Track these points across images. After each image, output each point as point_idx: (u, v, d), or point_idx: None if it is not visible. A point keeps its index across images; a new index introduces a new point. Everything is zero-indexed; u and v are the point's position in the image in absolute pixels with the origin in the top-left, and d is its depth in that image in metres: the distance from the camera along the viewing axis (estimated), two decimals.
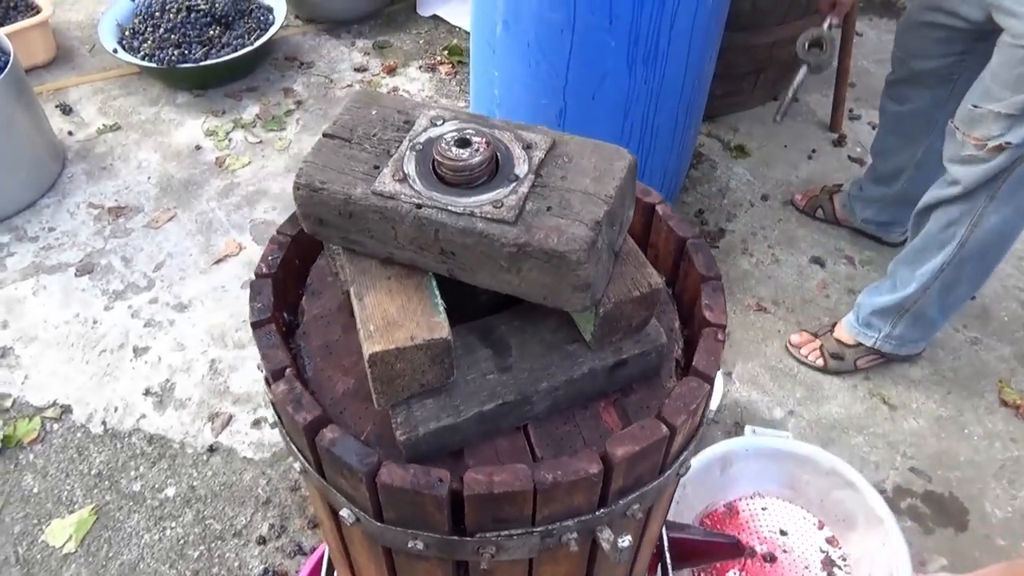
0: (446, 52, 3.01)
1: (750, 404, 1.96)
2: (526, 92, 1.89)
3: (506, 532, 0.73)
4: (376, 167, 0.69)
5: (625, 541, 0.74)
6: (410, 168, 0.68)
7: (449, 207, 0.65)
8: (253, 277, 0.86)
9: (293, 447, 0.80)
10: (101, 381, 2.01)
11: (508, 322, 0.78)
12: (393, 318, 0.68)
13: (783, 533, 1.58)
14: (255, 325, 0.81)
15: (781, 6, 2.36)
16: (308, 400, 0.74)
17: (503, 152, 0.69)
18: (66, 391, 1.98)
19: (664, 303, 0.89)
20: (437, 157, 0.67)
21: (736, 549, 1.40)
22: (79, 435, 1.90)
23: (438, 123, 0.71)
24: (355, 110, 0.74)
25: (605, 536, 0.76)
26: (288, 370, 0.77)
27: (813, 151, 2.63)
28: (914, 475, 1.83)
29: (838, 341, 2.00)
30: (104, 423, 1.92)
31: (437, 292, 0.70)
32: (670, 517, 1.41)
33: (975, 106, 1.53)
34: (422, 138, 0.70)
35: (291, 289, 0.91)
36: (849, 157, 2.62)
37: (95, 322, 2.14)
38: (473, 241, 0.65)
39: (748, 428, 1.68)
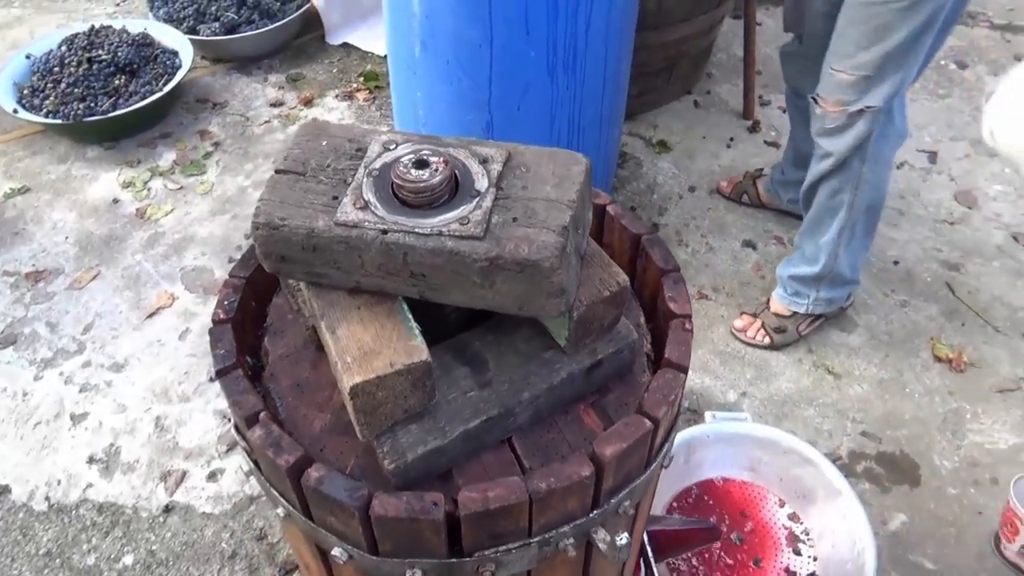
0: (361, 79, 3.00)
1: (704, 390, 2.00)
2: (450, 110, 1.89)
3: (504, 547, 0.73)
4: (335, 198, 0.68)
5: (623, 539, 0.75)
6: (370, 195, 0.67)
7: (416, 229, 0.65)
8: (211, 324, 0.84)
9: (275, 492, 0.78)
10: (39, 455, 1.90)
11: (481, 337, 0.78)
12: (369, 347, 0.67)
13: (747, 514, 1.62)
14: (220, 373, 0.79)
15: (686, 3, 2.43)
16: (288, 442, 0.72)
17: (461, 169, 0.69)
18: (2, 470, 1.87)
19: (628, 300, 0.90)
20: (397, 180, 0.66)
21: (713, 533, 1.42)
22: (21, 515, 1.80)
23: (391, 147, 0.71)
24: (304, 143, 0.73)
25: (600, 536, 0.76)
26: (262, 414, 0.75)
27: (731, 139, 2.72)
28: (866, 439, 1.90)
29: (776, 315, 2.07)
30: (48, 498, 1.82)
31: (410, 315, 0.70)
32: None
33: (833, 69, 1.62)
34: (377, 164, 0.70)
35: (250, 332, 0.89)
36: (765, 142, 2.72)
37: (25, 394, 2.03)
38: (443, 260, 0.65)
39: (708, 414, 1.71)
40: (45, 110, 2.53)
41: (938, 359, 2.06)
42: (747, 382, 2.02)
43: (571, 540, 0.75)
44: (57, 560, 1.72)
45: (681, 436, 1.58)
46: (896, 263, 2.30)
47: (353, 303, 0.71)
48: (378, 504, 0.68)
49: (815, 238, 1.92)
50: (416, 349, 0.67)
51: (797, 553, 1.57)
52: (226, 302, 0.85)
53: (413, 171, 0.66)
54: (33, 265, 2.34)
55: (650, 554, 1.31)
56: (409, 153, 0.69)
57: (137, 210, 2.50)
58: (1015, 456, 1.85)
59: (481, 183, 0.68)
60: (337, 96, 2.94)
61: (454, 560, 0.72)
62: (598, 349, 0.77)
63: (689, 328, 0.81)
